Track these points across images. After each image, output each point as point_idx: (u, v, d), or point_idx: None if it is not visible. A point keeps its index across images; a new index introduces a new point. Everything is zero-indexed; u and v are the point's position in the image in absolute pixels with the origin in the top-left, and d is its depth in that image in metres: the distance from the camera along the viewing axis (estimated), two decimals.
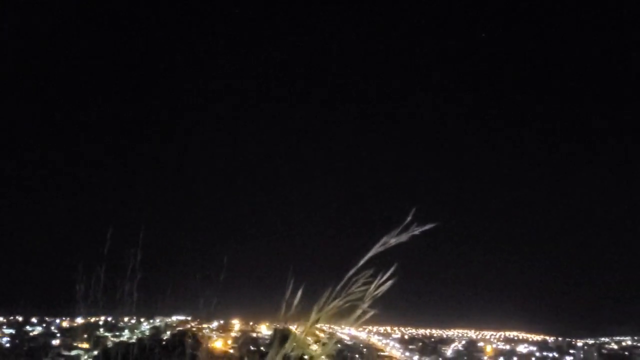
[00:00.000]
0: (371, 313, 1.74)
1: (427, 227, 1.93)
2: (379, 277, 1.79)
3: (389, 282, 1.79)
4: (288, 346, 1.64)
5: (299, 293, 1.74)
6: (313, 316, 1.68)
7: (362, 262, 1.78)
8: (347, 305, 1.73)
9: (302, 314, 1.73)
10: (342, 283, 1.74)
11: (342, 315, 1.73)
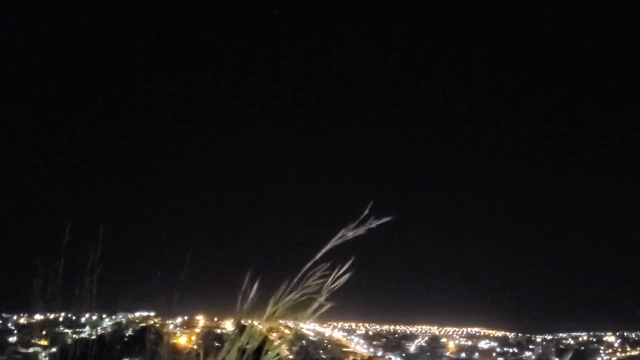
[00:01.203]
0: (328, 306, 1.76)
1: (384, 220, 1.95)
2: (336, 271, 1.81)
3: (346, 276, 1.81)
4: (243, 339, 1.65)
5: (255, 287, 1.75)
6: (269, 310, 1.69)
7: (318, 255, 1.79)
8: (303, 298, 1.74)
9: (259, 307, 1.74)
10: (298, 276, 1.75)
11: (298, 308, 1.74)
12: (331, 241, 1.83)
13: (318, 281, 1.76)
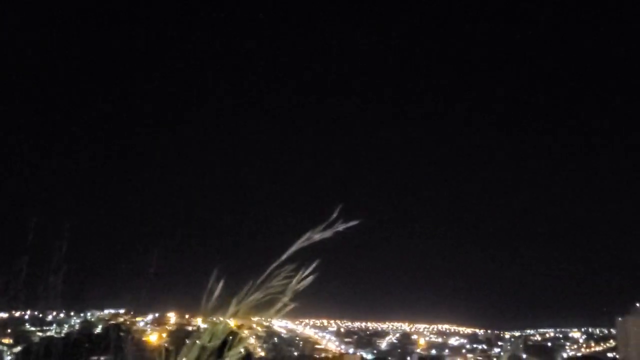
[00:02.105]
0: (291, 306, 1.78)
1: (351, 223, 1.97)
2: (300, 272, 1.83)
3: (310, 277, 1.83)
4: (205, 337, 1.66)
5: (220, 286, 1.76)
6: (231, 309, 1.70)
7: (284, 256, 1.82)
8: (267, 298, 1.76)
9: (223, 306, 1.75)
10: (263, 277, 1.77)
11: (262, 308, 1.75)
12: (297, 243, 1.86)
13: (282, 282, 1.78)
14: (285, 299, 1.76)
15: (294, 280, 1.81)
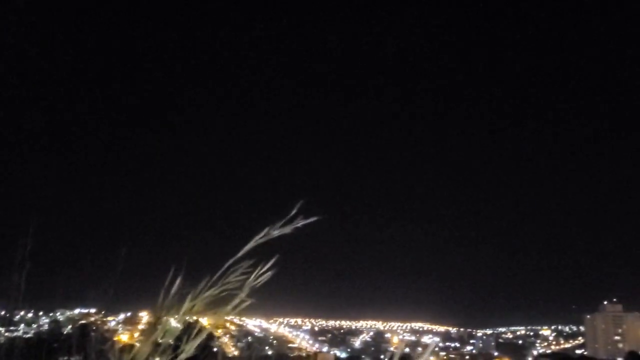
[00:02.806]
0: (248, 302, 1.79)
1: (311, 220, 1.99)
2: (259, 268, 1.84)
3: (269, 273, 1.85)
4: (158, 333, 1.67)
5: (178, 282, 1.76)
6: (186, 305, 1.71)
7: (241, 252, 1.82)
8: (223, 294, 1.76)
9: (180, 302, 1.75)
10: (219, 273, 1.78)
11: (219, 304, 1.76)
12: (254, 239, 1.87)
13: (240, 278, 1.79)
14: (242, 295, 1.77)
15: (252, 277, 1.82)
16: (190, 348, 1.61)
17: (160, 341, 1.66)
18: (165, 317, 1.72)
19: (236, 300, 1.75)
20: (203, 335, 1.64)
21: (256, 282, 1.82)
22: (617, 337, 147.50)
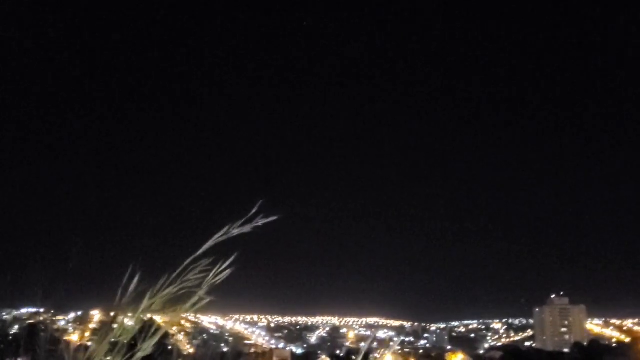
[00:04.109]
0: (207, 300, 1.78)
1: (271, 219, 2.00)
2: (217, 266, 1.84)
3: (228, 271, 1.84)
4: (115, 332, 1.64)
5: (136, 280, 1.74)
6: (145, 303, 1.69)
7: (201, 250, 1.82)
8: (182, 292, 1.75)
9: (138, 301, 1.73)
10: (178, 271, 1.77)
11: (178, 302, 1.75)
12: (214, 238, 1.86)
13: (199, 276, 1.78)
14: (201, 293, 1.76)
15: (211, 274, 1.81)
16: (147, 347, 1.59)
17: (116, 340, 1.63)
18: (121, 316, 1.70)
19: (195, 298, 1.74)
20: (160, 334, 1.62)
21: (215, 280, 1.81)
22: (563, 329, 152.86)
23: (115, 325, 1.67)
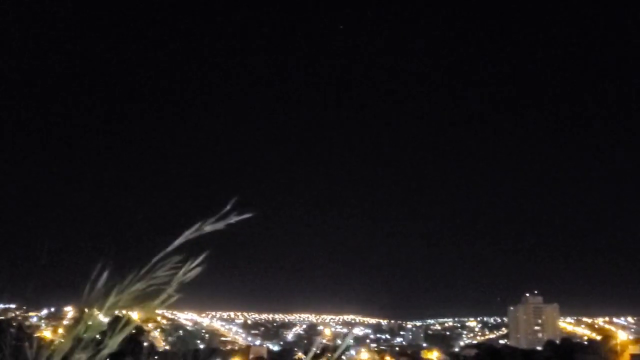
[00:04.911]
0: (176, 297, 1.77)
1: (244, 216, 1.99)
2: (188, 263, 1.82)
3: (198, 269, 1.83)
4: (81, 327, 1.62)
5: (105, 276, 1.72)
6: (111, 299, 1.67)
7: (171, 247, 1.80)
8: (150, 288, 1.74)
9: (107, 296, 1.71)
10: (147, 267, 1.75)
11: (145, 298, 1.73)
12: (184, 234, 1.85)
13: (168, 272, 1.77)
14: (171, 290, 1.75)
15: (181, 271, 1.80)
16: (114, 343, 1.57)
17: (83, 336, 1.61)
18: (89, 312, 1.68)
19: (164, 295, 1.73)
20: (128, 330, 1.60)
21: (185, 277, 1.80)
22: (537, 327, 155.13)
23: (81, 322, 1.65)
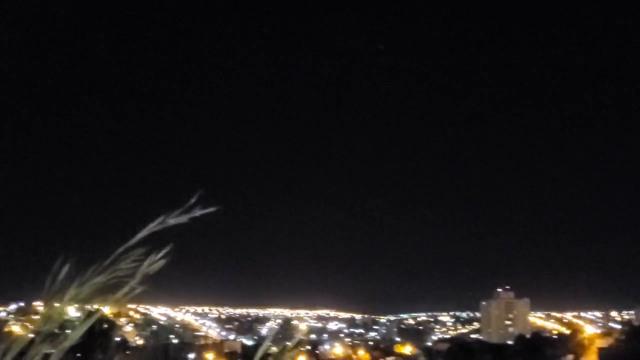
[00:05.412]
0: (139, 290, 1.77)
1: (209, 210, 1.99)
2: (151, 255, 1.82)
3: (162, 261, 1.83)
4: (41, 321, 1.62)
5: (66, 269, 1.71)
6: (71, 292, 1.67)
7: (134, 240, 1.80)
8: (112, 281, 1.73)
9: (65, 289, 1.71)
10: (109, 259, 1.74)
11: (108, 291, 1.73)
12: (148, 227, 1.84)
13: (131, 265, 1.76)
14: (133, 283, 1.75)
15: (144, 264, 1.79)
16: (75, 336, 1.57)
17: (43, 329, 1.61)
18: (49, 305, 1.67)
19: (126, 288, 1.72)
20: (89, 322, 1.60)
21: (149, 270, 1.80)
22: (508, 322, 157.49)
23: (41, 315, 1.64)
